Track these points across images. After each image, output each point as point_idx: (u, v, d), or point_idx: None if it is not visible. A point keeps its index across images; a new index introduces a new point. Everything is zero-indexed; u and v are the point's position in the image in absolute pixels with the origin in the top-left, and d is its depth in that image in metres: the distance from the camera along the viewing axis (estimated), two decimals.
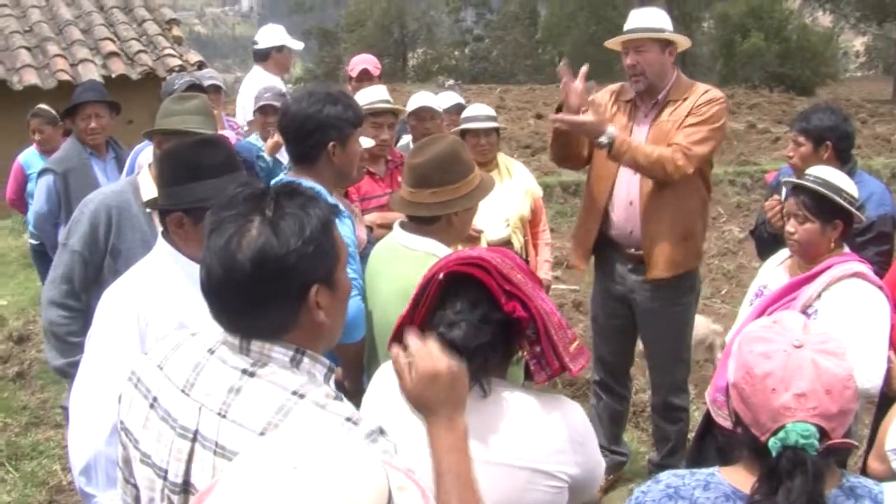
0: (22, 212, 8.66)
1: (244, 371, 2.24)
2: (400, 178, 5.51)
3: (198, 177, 3.32)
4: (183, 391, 2.32)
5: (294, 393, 2.18)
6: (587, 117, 5.09)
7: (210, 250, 2.21)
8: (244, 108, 7.99)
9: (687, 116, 5.33)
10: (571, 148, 5.63)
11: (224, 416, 2.22)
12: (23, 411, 7.41)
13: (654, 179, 5.34)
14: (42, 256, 7.34)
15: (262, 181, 2.51)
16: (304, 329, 2.26)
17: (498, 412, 2.59)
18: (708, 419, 4.57)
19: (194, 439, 2.27)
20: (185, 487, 2.30)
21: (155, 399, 2.39)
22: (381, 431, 2.20)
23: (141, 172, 4.65)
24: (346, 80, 7.74)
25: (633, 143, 5.22)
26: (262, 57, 8.29)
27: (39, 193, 6.26)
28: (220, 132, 5.50)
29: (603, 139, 5.11)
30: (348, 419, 2.16)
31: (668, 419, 5.91)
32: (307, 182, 3.06)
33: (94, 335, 3.29)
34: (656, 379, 5.96)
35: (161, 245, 3.41)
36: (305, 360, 2.27)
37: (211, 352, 2.33)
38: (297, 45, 8.35)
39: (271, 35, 8.34)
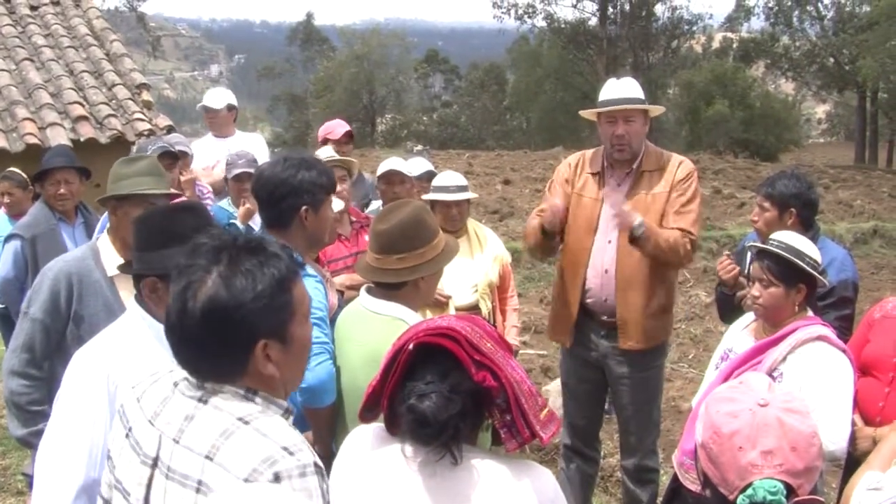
0: None
1: (199, 399, 2.37)
2: (366, 238, 5.55)
3: (173, 242, 3.34)
4: (150, 421, 2.45)
5: (240, 419, 2.29)
6: (626, 208, 5.27)
7: (171, 294, 2.37)
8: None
9: (671, 193, 5.44)
10: (554, 244, 5.72)
11: (178, 442, 2.34)
12: None
13: (668, 264, 5.49)
14: (7, 320, 7.27)
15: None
16: (254, 378, 2.37)
17: (469, 480, 2.57)
18: (675, 483, 4.58)
19: (154, 465, 2.40)
20: None
21: (130, 429, 2.52)
22: (318, 470, 2.26)
23: (100, 238, 4.64)
24: (320, 143, 7.76)
25: (654, 227, 5.32)
26: None
27: (6, 258, 6.21)
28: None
29: (638, 227, 5.23)
30: (284, 448, 2.23)
31: (640, 482, 5.89)
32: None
33: (62, 397, 3.27)
34: (629, 442, 5.93)
35: (133, 308, 3.42)
36: (258, 398, 2.37)
37: (175, 385, 2.46)
38: (211, 104, 8.37)
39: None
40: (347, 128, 7.79)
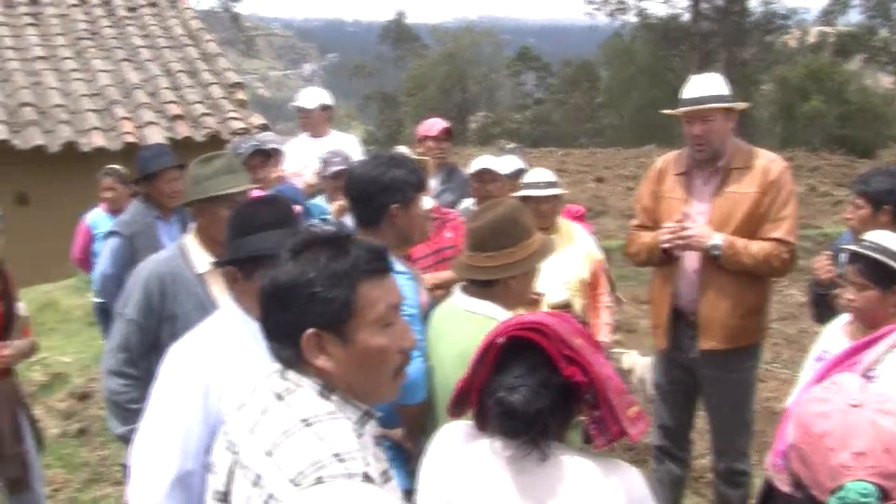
0: (87, 270, 8.69)
1: (276, 395, 2.39)
2: (448, 234, 5.54)
3: (249, 232, 3.44)
4: (238, 409, 2.51)
5: (303, 420, 2.29)
6: (694, 229, 5.24)
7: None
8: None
9: (763, 196, 5.32)
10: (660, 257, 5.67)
11: (251, 433, 2.39)
12: (83, 468, 7.50)
13: (761, 275, 5.44)
14: (106, 314, 7.39)
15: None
16: (315, 370, 2.37)
17: (557, 476, 2.58)
18: (768, 486, 4.52)
19: (235, 453, 2.45)
20: (225, 497, 2.48)
21: (227, 416, 2.59)
22: (368, 480, 2.21)
23: (186, 237, 4.73)
24: (418, 141, 7.77)
25: (737, 244, 5.25)
26: None
27: (105, 255, 6.28)
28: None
29: (715, 249, 5.23)
30: (336, 454, 2.20)
31: (730, 484, 5.81)
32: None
33: (157, 391, 3.34)
34: (720, 445, 5.86)
35: (229, 304, 3.49)
36: (334, 397, 2.36)
37: (267, 376, 2.48)
38: (304, 104, 8.42)
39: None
40: (445, 124, 7.76)
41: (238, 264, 3.44)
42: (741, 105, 5.48)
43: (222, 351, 3.31)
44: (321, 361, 2.34)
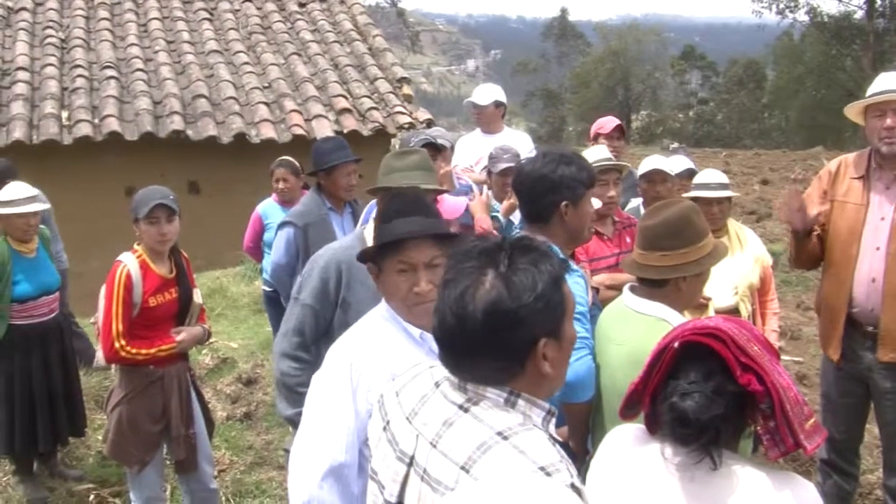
0: (257, 259, 8.95)
1: (460, 406, 2.36)
2: (628, 239, 5.49)
3: (381, 222, 3.44)
4: (407, 418, 2.48)
5: (499, 433, 2.25)
6: None
7: (444, 300, 2.33)
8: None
9: None
10: (816, 252, 5.58)
11: (434, 446, 2.35)
12: (248, 451, 7.68)
13: None
14: (274, 303, 7.59)
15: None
16: (528, 379, 2.33)
17: (728, 486, 2.53)
18: None
19: (410, 464, 2.42)
20: None
21: (388, 423, 2.57)
22: (575, 491, 2.18)
23: (367, 227, 4.77)
24: (591, 139, 7.74)
25: None
26: None
27: (279, 245, 6.41)
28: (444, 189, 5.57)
29: None
30: (542, 468, 2.16)
31: None
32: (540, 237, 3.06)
33: (313, 383, 3.39)
34: (892, 461, 5.64)
35: (384, 299, 3.51)
36: (520, 402, 2.33)
37: (437, 385, 2.47)
38: (478, 100, 8.33)
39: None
40: (618, 122, 7.72)
41: (369, 259, 3.46)
42: None
43: (372, 347, 3.32)
44: (546, 368, 2.33)
